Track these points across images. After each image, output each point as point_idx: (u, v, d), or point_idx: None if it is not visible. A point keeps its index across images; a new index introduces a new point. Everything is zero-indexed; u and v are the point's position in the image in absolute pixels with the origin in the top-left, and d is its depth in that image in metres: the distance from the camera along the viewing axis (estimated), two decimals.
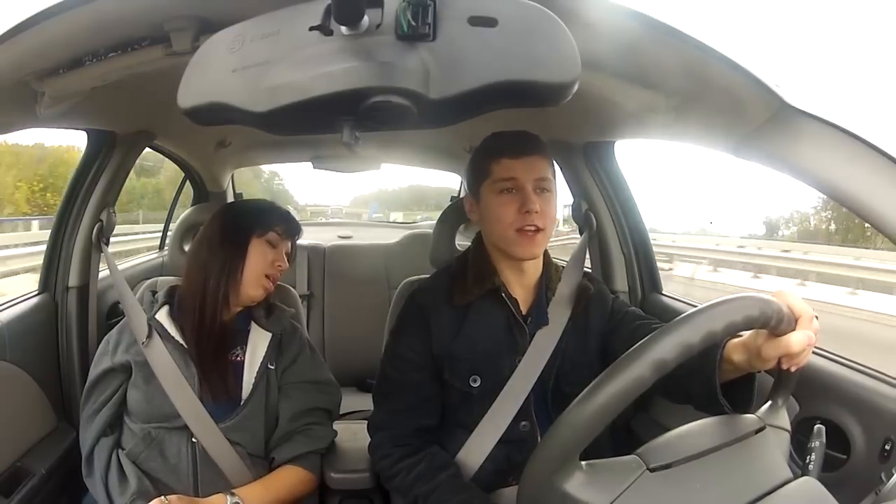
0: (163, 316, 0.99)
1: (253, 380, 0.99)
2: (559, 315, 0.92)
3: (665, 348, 0.48)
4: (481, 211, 0.92)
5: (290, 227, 1.04)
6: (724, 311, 0.50)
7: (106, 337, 1.03)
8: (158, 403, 0.95)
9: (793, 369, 0.58)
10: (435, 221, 1.19)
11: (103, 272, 1.29)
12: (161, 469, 0.95)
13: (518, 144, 0.89)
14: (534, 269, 0.94)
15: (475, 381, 0.90)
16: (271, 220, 1.02)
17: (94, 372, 1.00)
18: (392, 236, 2.24)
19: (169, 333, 0.98)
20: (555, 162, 0.94)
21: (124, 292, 1.06)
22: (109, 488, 0.94)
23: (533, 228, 0.85)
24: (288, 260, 1.05)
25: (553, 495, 0.49)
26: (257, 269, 0.99)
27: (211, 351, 0.98)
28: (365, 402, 1.51)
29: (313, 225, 3.96)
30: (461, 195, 2.35)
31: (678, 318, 0.50)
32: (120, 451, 0.97)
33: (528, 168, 0.86)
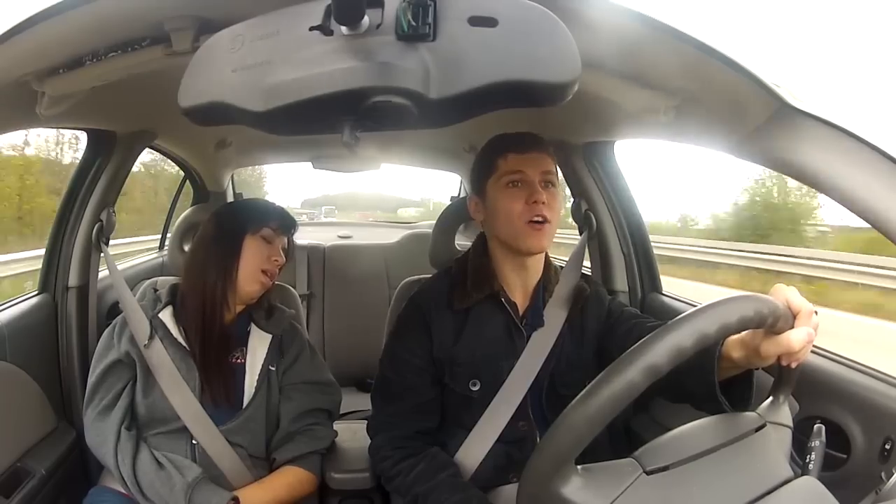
0: (166, 316, 0.99)
1: (255, 383, 0.99)
2: (555, 317, 0.92)
3: (657, 353, 0.48)
4: (487, 207, 0.90)
5: (285, 223, 1.04)
6: (718, 313, 0.50)
7: (106, 331, 1.02)
8: (160, 407, 0.95)
9: (793, 366, 0.58)
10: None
11: (103, 272, 1.29)
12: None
13: (523, 141, 0.89)
14: (535, 269, 0.93)
15: (475, 384, 0.90)
16: (265, 216, 1.02)
17: (99, 366, 0.98)
18: (388, 236, 2.24)
19: (171, 334, 0.98)
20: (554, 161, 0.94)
21: (123, 293, 1.05)
22: (148, 484, 0.90)
23: (541, 219, 0.85)
24: (286, 255, 1.05)
25: (551, 500, 0.49)
26: (253, 265, 0.99)
27: (213, 354, 0.97)
28: (365, 401, 1.50)
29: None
30: (461, 195, 2.35)
31: (671, 321, 0.50)
32: (146, 441, 0.95)
33: (534, 163, 0.87)
